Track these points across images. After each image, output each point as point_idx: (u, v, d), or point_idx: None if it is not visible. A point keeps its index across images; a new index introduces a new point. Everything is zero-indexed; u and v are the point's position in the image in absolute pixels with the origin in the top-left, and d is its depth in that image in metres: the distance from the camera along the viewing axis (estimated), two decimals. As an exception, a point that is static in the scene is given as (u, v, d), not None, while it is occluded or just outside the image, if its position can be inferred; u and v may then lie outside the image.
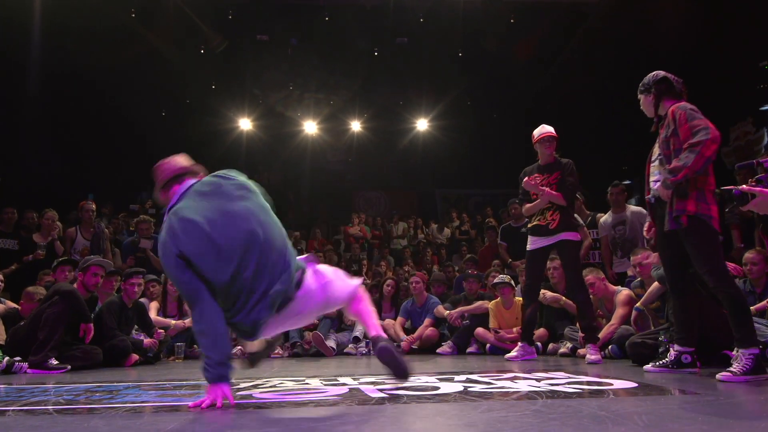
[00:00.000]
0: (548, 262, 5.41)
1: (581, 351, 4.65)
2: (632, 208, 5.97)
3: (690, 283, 3.26)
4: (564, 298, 5.40)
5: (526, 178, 4.62)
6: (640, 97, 3.37)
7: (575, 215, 6.08)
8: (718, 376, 2.80)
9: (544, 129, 4.66)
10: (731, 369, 2.81)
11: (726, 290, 2.94)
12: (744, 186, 2.81)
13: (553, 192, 4.49)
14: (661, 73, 3.31)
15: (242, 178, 2.54)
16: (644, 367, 3.41)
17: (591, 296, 4.90)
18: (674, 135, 3.08)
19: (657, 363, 3.34)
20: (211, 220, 2.23)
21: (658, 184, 3.15)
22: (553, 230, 4.50)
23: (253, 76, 12.51)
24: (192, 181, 2.49)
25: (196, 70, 11.76)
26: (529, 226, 4.72)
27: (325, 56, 11.72)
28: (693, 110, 3.07)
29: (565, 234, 4.49)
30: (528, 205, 4.71)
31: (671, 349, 3.30)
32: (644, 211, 5.87)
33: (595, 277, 4.95)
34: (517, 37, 10.64)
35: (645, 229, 3.63)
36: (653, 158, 3.35)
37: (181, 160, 2.60)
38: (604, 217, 6.03)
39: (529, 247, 4.67)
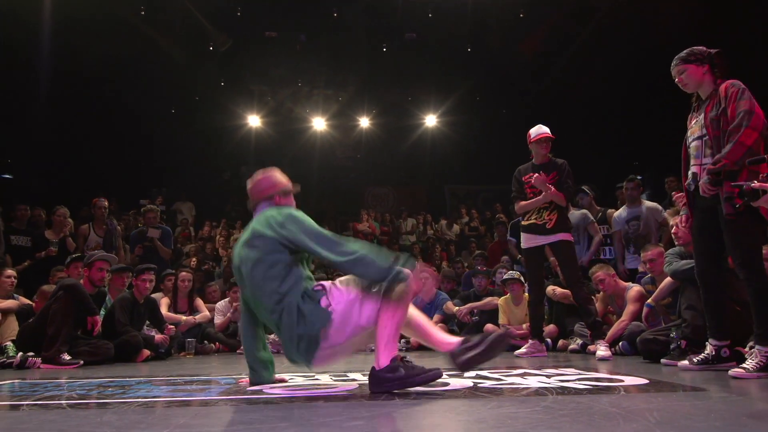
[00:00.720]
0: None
1: (591, 347, 4.63)
2: (647, 203, 5.90)
3: (723, 276, 3.16)
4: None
5: (536, 175, 4.59)
6: (687, 66, 3.07)
7: (586, 211, 6.07)
8: (730, 372, 2.78)
9: (541, 129, 4.68)
10: (744, 365, 2.78)
11: (757, 283, 2.85)
12: (755, 182, 2.74)
13: (558, 192, 4.51)
14: (714, 49, 3.09)
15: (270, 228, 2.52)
16: (679, 364, 3.26)
17: (601, 293, 4.89)
18: (724, 114, 2.90)
19: (695, 359, 3.17)
20: None
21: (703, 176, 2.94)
22: (550, 230, 4.54)
23: (261, 73, 12.53)
24: (266, 207, 2.71)
25: (205, 66, 11.80)
26: (524, 223, 4.73)
27: (334, 52, 11.72)
28: (746, 89, 2.90)
29: (561, 234, 4.54)
30: (523, 203, 4.72)
31: (708, 344, 3.16)
32: (659, 207, 5.84)
33: (605, 274, 4.93)
34: (526, 31, 10.58)
35: (681, 220, 3.40)
36: (691, 140, 3.15)
37: (278, 179, 2.81)
38: (618, 212, 5.98)
39: (524, 245, 4.72)
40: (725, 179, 2.81)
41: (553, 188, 4.51)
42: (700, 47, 3.11)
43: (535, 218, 4.62)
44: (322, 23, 10.91)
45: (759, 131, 2.80)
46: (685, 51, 3.12)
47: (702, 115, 3.07)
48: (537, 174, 4.60)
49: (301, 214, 2.58)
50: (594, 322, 4.44)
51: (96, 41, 9.60)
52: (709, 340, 3.17)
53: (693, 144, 3.12)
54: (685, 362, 3.25)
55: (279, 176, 2.83)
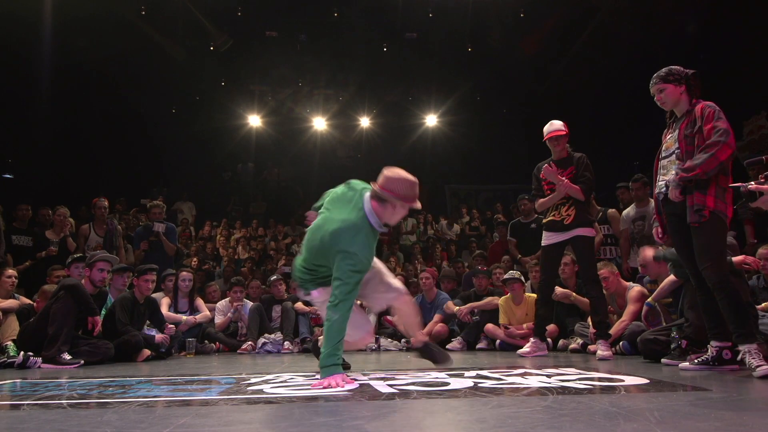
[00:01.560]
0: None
1: (592, 347, 4.63)
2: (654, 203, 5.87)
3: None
4: (575, 294, 5.38)
5: (546, 165, 4.55)
6: (666, 86, 3.23)
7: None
8: (756, 372, 2.75)
9: (552, 127, 4.62)
10: (764, 367, 2.77)
11: (726, 289, 2.93)
12: (752, 184, 2.78)
13: (572, 184, 4.44)
14: (690, 70, 3.25)
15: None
16: (680, 365, 3.27)
17: (604, 291, 4.87)
18: (699, 132, 3.05)
19: (696, 360, 3.21)
20: None
21: (672, 180, 3.09)
22: (568, 226, 4.46)
23: (262, 73, 12.54)
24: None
25: (206, 66, 11.80)
26: (544, 221, 4.66)
27: (334, 52, 11.72)
28: (720, 111, 3.05)
29: (579, 230, 4.45)
30: (541, 200, 4.65)
31: (710, 346, 3.18)
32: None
33: (609, 272, 4.92)
34: (526, 31, 10.58)
35: (654, 231, 3.52)
36: (664, 154, 3.30)
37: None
38: (626, 210, 5.97)
39: (544, 242, 4.63)
40: (696, 189, 2.97)
41: (565, 179, 4.44)
42: (678, 68, 3.25)
43: (553, 215, 4.55)
44: (323, 23, 10.91)
45: (732, 150, 2.96)
46: (664, 70, 3.26)
47: (677, 132, 3.21)
48: (546, 165, 4.55)
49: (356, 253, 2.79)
50: (601, 321, 4.42)
51: (97, 41, 9.61)
52: (711, 341, 3.18)
53: (666, 158, 3.27)
54: (686, 363, 3.25)
55: (398, 182, 2.99)
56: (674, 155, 3.19)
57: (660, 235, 3.43)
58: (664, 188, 3.21)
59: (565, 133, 4.58)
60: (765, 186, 2.73)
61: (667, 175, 3.22)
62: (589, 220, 4.61)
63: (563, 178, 4.46)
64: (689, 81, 3.20)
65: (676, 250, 3.35)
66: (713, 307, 3.11)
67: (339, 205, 3.01)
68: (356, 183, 3.13)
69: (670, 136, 3.29)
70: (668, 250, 3.85)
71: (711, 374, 2.94)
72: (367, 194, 2.99)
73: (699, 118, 3.07)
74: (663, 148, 3.33)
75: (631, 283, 5.01)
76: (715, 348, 3.14)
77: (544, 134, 4.64)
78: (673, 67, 3.25)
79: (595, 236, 4.73)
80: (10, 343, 4.51)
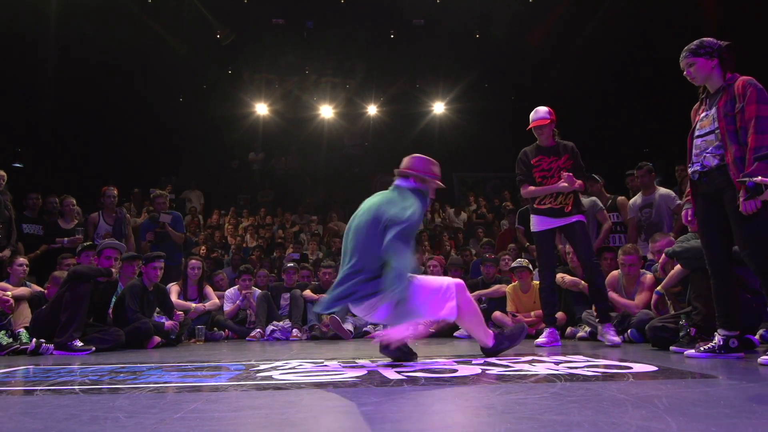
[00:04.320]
0: (566, 247, 5.36)
1: (599, 336, 4.62)
2: (661, 190, 5.80)
3: (733, 265, 3.13)
4: (583, 282, 5.36)
5: (567, 174, 4.35)
6: (696, 60, 3.04)
7: (596, 198, 6.02)
8: (759, 360, 2.72)
9: (536, 115, 4.50)
10: None
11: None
12: (759, 177, 2.70)
13: (579, 181, 4.37)
14: (724, 42, 3.05)
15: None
16: (686, 353, 3.23)
17: (626, 275, 4.82)
18: (741, 112, 2.87)
19: (702, 348, 3.15)
20: None
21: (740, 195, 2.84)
22: (568, 213, 4.41)
23: (269, 61, 12.50)
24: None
25: (212, 55, 11.78)
26: (539, 207, 4.51)
27: (341, 39, 11.67)
28: (763, 90, 2.88)
29: (577, 216, 4.42)
30: (533, 188, 4.52)
31: (717, 334, 3.12)
32: (672, 193, 5.75)
33: (638, 258, 4.84)
34: (535, 17, 10.46)
35: (683, 213, 3.37)
36: (699, 132, 3.11)
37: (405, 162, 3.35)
38: (634, 199, 5.92)
39: (537, 228, 4.53)
40: (755, 194, 2.75)
41: (578, 183, 4.35)
42: (711, 39, 3.05)
43: (551, 203, 4.47)
44: (330, 10, 10.85)
45: None
46: (695, 43, 3.07)
47: (714, 110, 3.02)
48: (568, 174, 4.36)
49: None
50: (606, 307, 4.39)
51: (104, 30, 9.62)
52: (719, 330, 3.13)
53: (704, 138, 3.08)
54: (692, 351, 3.21)
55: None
56: (714, 135, 3.00)
57: (689, 218, 3.31)
58: (699, 167, 3.07)
59: (549, 121, 4.47)
60: None
61: (701, 155, 3.06)
62: (582, 209, 4.58)
63: (578, 181, 4.35)
64: (722, 54, 3.01)
65: (701, 233, 3.20)
66: (725, 295, 3.07)
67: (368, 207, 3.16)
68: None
69: (704, 114, 3.10)
70: (680, 246, 3.80)
71: (719, 362, 2.93)
72: (394, 183, 3.24)
73: (740, 96, 2.88)
74: (697, 126, 3.14)
75: (643, 271, 4.99)
76: (723, 336, 3.09)
77: (530, 122, 4.56)
78: (705, 39, 3.06)
79: (586, 222, 4.66)
80: (22, 330, 4.57)
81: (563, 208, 4.43)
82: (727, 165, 2.92)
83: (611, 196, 6.26)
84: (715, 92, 3.06)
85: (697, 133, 3.13)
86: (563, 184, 4.35)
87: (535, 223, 4.56)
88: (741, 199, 2.79)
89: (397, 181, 3.24)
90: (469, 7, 10.30)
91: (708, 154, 3.02)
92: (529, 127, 4.55)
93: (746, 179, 2.72)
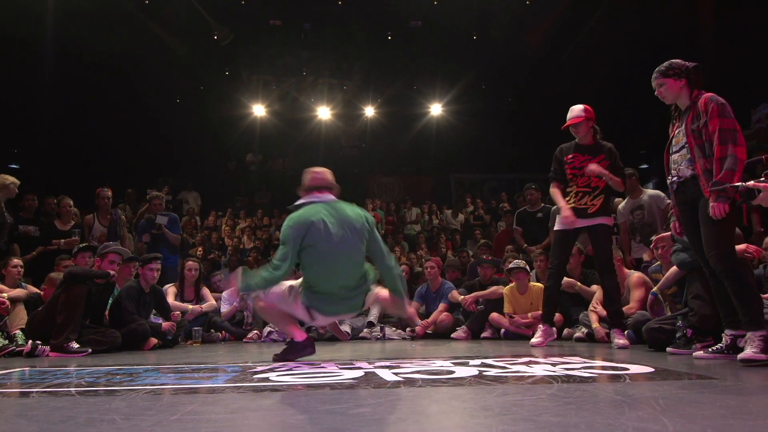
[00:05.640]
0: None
1: (600, 330, 4.62)
2: (649, 191, 5.89)
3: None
4: (579, 283, 5.37)
5: (592, 166, 4.33)
6: (665, 80, 3.23)
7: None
8: (739, 357, 2.78)
9: (571, 114, 4.45)
10: (750, 352, 2.78)
11: (735, 273, 2.94)
12: (751, 182, 2.77)
13: (614, 176, 4.32)
14: (691, 63, 3.23)
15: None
16: (694, 354, 3.28)
17: None
18: (705, 126, 3.04)
19: (710, 348, 3.21)
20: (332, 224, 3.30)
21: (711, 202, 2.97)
22: (592, 214, 4.35)
23: (266, 62, 12.50)
24: (330, 196, 3.52)
25: (209, 56, 11.77)
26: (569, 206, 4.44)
27: (338, 41, 11.67)
28: (724, 105, 3.02)
29: (601, 218, 4.37)
30: (554, 190, 4.49)
31: (724, 335, 3.18)
32: (661, 193, 5.79)
33: (615, 258, 4.89)
34: (532, 19, 10.48)
35: (672, 226, 3.51)
36: (675, 148, 3.28)
37: (330, 177, 3.61)
38: (622, 204, 5.97)
39: (559, 226, 4.47)
40: (748, 198, 2.89)
41: (606, 173, 4.30)
42: (678, 61, 3.24)
43: (575, 202, 4.41)
44: (327, 11, 10.85)
45: (744, 145, 2.97)
46: (664, 64, 3.26)
47: (684, 126, 3.21)
48: (593, 166, 4.32)
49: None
50: (617, 311, 4.39)
51: (101, 31, 9.59)
52: (725, 330, 3.19)
53: (678, 153, 3.26)
54: (700, 352, 3.26)
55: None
56: (686, 149, 3.18)
57: (678, 230, 3.42)
58: (677, 178, 3.24)
59: (584, 119, 4.42)
60: (762, 183, 2.72)
61: (677, 168, 3.23)
62: (610, 210, 4.55)
63: (607, 172, 4.30)
64: (690, 75, 3.19)
65: (688, 239, 3.33)
66: (726, 296, 3.10)
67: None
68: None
69: (678, 130, 3.28)
70: (686, 257, 3.83)
71: (716, 363, 2.94)
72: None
73: (703, 113, 3.06)
74: (672, 142, 3.32)
75: (630, 271, 5.01)
76: (730, 336, 3.14)
77: (566, 120, 4.49)
78: (674, 61, 3.24)
79: (612, 225, 4.63)
80: (18, 332, 4.55)
81: (587, 209, 4.37)
82: (698, 176, 3.09)
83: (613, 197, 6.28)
84: (685, 109, 3.25)
85: (673, 149, 3.32)
86: (596, 173, 4.31)
87: (559, 221, 4.48)
88: (711, 204, 2.95)
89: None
90: (467, 8, 10.30)
91: (682, 167, 3.21)
92: (565, 126, 4.49)
93: (737, 184, 2.85)
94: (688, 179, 3.18)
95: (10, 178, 5.93)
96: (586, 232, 4.55)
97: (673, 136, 3.33)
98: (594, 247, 4.54)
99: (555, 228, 4.58)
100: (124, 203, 9.50)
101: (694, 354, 3.30)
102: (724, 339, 3.18)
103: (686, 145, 3.17)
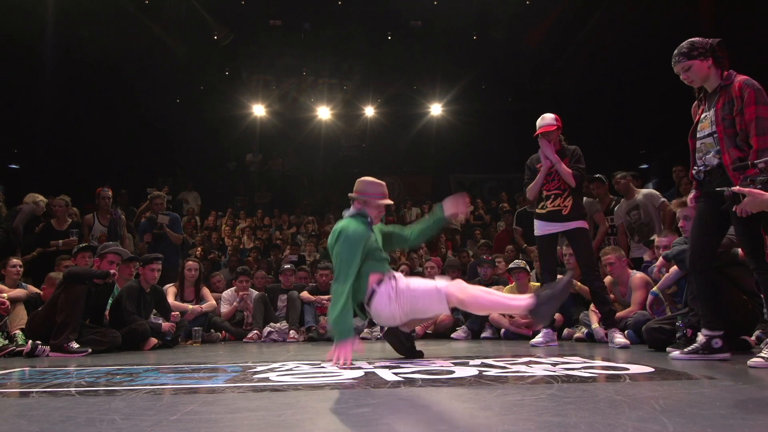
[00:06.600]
0: (564, 248, 5.38)
1: (600, 333, 4.62)
2: (643, 191, 5.96)
3: (716, 265, 3.14)
4: (579, 283, 5.37)
5: (544, 140, 4.51)
6: (691, 63, 2.99)
7: (593, 200, 6.05)
8: (749, 362, 2.71)
9: (543, 122, 4.56)
10: (762, 355, 2.71)
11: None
12: (736, 187, 2.65)
13: (566, 167, 4.44)
14: (714, 39, 2.99)
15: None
16: (670, 354, 3.23)
17: (607, 277, 4.86)
18: (740, 114, 2.83)
19: (685, 349, 3.12)
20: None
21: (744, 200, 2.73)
22: (566, 216, 4.46)
23: (266, 62, 12.49)
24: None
25: (209, 56, 11.77)
26: (540, 211, 4.61)
27: (338, 41, 11.66)
28: (761, 90, 2.81)
29: (576, 222, 4.48)
30: (530, 185, 4.65)
31: (700, 334, 3.10)
32: (656, 192, 5.85)
33: (617, 258, 4.89)
34: (532, 19, 10.48)
35: (690, 198, 3.28)
36: (700, 134, 3.08)
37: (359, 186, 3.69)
38: (619, 205, 5.99)
39: (539, 232, 4.62)
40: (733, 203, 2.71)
41: (557, 157, 4.45)
42: (700, 39, 3.00)
43: (550, 205, 4.53)
44: (327, 11, 10.84)
45: None
46: (685, 45, 3.03)
47: (712, 111, 2.99)
48: (545, 140, 4.50)
49: (350, 233, 3.32)
50: (609, 310, 4.41)
51: (101, 31, 9.59)
52: (702, 329, 3.10)
53: (703, 141, 3.05)
54: (676, 352, 3.18)
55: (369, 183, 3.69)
56: (713, 138, 2.98)
57: (692, 201, 3.25)
58: (703, 167, 3.04)
59: (556, 127, 4.55)
60: (747, 188, 2.57)
61: (703, 157, 3.04)
62: (584, 213, 4.65)
63: (556, 157, 4.47)
64: (715, 52, 2.96)
65: (691, 231, 3.18)
66: (707, 296, 3.07)
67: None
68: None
69: (704, 115, 3.06)
70: (676, 249, 3.83)
71: (716, 363, 2.93)
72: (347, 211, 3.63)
73: (737, 98, 2.84)
74: (698, 127, 3.10)
75: (633, 271, 5.01)
76: (706, 336, 3.05)
77: (537, 128, 4.60)
78: (695, 39, 3.00)
79: (589, 228, 4.73)
80: (18, 332, 4.55)
81: (561, 211, 4.48)
82: (726, 167, 2.90)
83: (614, 198, 6.29)
84: (713, 92, 3.03)
85: (698, 134, 3.11)
86: (544, 149, 4.49)
87: (537, 228, 4.65)
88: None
89: (346, 213, 3.66)
90: (467, 8, 10.29)
91: (709, 156, 3.00)
92: (536, 133, 4.59)
93: (723, 189, 2.71)
94: (715, 168, 2.98)
95: (39, 197, 6.05)
96: (565, 237, 4.66)
97: (698, 121, 3.10)
98: (575, 251, 4.64)
99: (535, 234, 4.70)
100: (116, 205, 9.47)
101: (670, 355, 3.24)
102: (699, 338, 3.09)
103: (714, 133, 2.96)
